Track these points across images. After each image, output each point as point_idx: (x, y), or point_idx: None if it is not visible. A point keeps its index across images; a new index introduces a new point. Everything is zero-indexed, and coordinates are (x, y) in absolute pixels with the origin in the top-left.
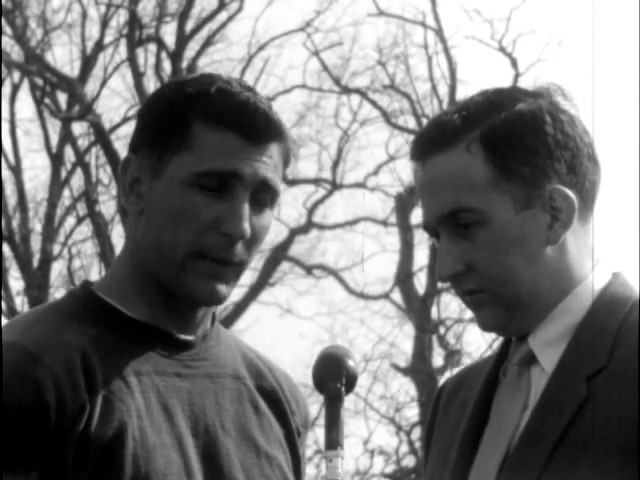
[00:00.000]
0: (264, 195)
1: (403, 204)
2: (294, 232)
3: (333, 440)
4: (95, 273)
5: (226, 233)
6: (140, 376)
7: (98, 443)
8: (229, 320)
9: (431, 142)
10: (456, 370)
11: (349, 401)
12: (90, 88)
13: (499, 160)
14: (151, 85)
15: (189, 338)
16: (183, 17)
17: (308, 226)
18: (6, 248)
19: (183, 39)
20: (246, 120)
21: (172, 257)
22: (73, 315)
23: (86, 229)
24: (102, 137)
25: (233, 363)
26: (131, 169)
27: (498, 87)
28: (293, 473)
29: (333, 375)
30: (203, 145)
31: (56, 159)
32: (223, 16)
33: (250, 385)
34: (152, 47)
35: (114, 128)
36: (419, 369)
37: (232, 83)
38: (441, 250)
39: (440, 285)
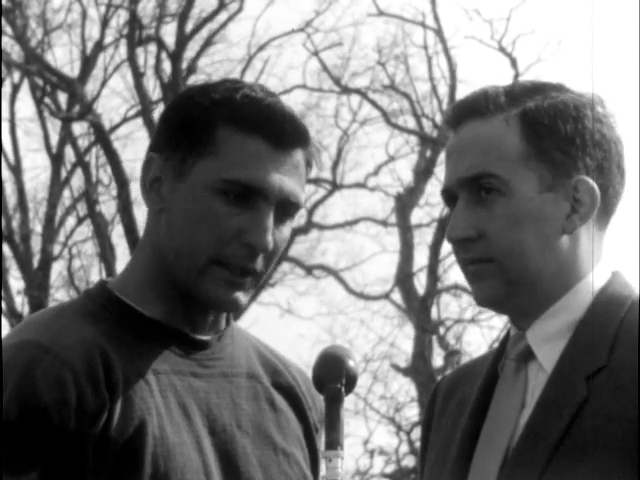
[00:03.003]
0: (287, 209)
1: (403, 204)
2: (294, 232)
3: (333, 440)
4: (95, 273)
5: (249, 244)
6: (158, 375)
7: (118, 441)
8: None
9: (471, 109)
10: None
11: (349, 401)
12: (90, 88)
13: (534, 138)
14: (151, 85)
15: (205, 338)
16: (183, 17)
17: (308, 226)
18: (6, 248)
19: (183, 39)
20: (273, 126)
21: (192, 262)
22: (90, 314)
23: (86, 229)
24: (102, 137)
25: (248, 362)
26: (153, 168)
27: (545, 80)
28: (311, 469)
29: (333, 375)
30: (229, 151)
31: (56, 159)
32: (223, 16)
33: (266, 383)
34: (152, 47)
35: (114, 128)
36: (419, 369)
37: (256, 89)
38: (456, 212)
39: (440, 285)
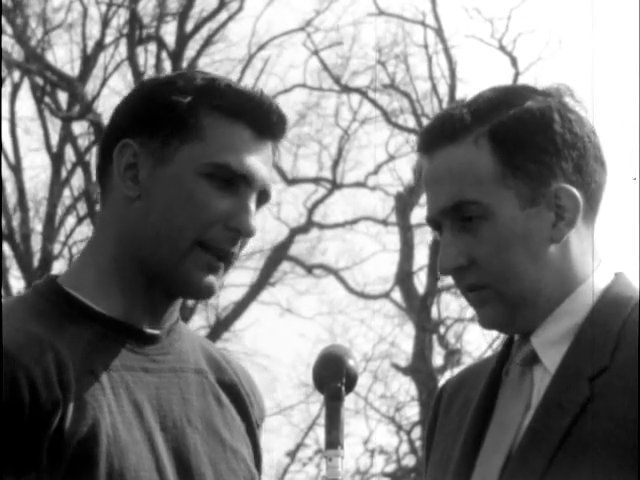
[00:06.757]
0: (262, 198)
1: (403, 203)
2: (294, 232)
3: (333, 439)
4: None
5: (235, 228)
6: (110, 372)
7: (72, 441)
8: (229, 320)
9: (439, 135)
10: (456, 370)
11: (349, 400)
12: (90, 87)
13: (506, 155)
14: None
15: (155, 332)
16: (183, 17)
17: (308, 226)
18: (6, 248)
19: (183, 39)
20: (259, 114)
21: (175, 246)
22: (41, 312)
23: (86, 229)
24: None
25: (195, 357)
26: (127, 154)
27: (508, 85)
28: (255, 466)
29: (333, 374)
30: (216, 136)
31: (56, 158)
32: (223, 16)
33: (212, 379)
34: (152, 47)
35: None
36: (419, 368)
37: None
38: (444, 243)
39: (440, 284)
